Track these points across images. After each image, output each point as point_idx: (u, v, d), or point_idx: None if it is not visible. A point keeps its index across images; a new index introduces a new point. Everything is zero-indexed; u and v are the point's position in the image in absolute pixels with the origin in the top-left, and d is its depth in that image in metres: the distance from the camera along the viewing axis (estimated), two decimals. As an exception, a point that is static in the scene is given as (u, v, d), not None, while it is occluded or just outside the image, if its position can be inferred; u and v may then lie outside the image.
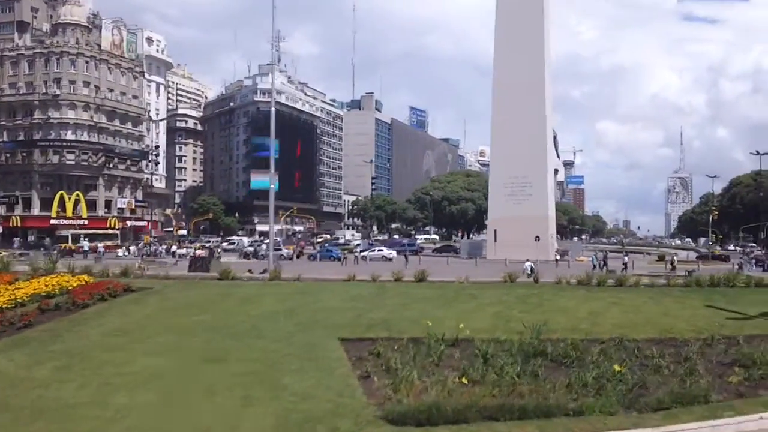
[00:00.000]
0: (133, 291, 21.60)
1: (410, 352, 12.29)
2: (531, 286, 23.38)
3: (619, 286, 23.31)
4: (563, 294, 21.08)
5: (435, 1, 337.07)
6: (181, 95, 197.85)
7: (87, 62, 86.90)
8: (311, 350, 13.11)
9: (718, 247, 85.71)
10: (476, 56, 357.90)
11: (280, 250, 63.81)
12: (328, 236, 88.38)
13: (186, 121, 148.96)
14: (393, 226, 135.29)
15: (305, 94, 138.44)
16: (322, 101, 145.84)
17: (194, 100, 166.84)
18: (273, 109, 39.44)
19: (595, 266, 44.44)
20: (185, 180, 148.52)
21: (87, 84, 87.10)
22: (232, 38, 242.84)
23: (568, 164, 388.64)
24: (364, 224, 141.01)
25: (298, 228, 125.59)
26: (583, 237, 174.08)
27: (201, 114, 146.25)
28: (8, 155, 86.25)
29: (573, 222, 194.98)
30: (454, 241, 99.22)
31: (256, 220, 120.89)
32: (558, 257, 55.91)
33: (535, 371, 11.14)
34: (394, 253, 59.32)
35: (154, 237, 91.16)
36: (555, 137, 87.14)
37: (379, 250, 59.51)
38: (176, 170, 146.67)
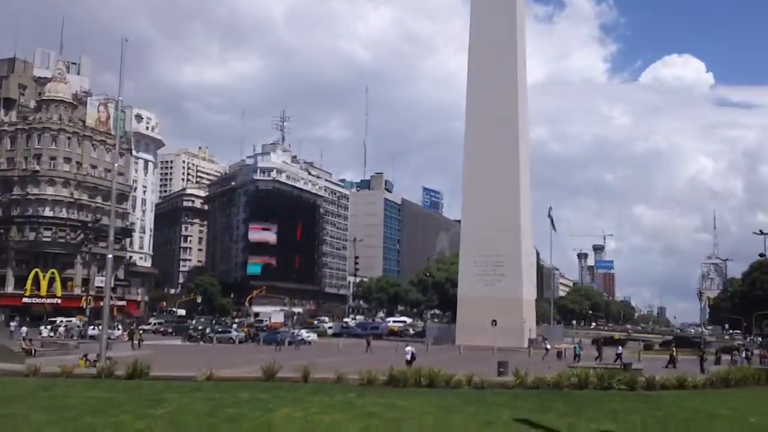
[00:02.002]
0: None
1: None
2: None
3: (446, 386, 17.76)
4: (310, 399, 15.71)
5: (464, 84, 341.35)
6: (201, 176, 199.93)
7: (69, 138, 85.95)
8: None
9: (738, 337, 78.21)
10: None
11: (229, 332, 59.41)
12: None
13: (193, 201, 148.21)
14: (400, 308, 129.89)
15: (309, 173, 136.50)
16: (327, 180, 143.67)
17: (211, 181, 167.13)
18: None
19: (577, 356, 40.54)
20: (190, 260, 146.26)
21: (68, 160, 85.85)
22: (267, 124, 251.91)
23: (597, 249, 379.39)
24: (369, 306, 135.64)
25: (297, 310, 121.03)
26: (600, 323, 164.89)
27: (207, 193, 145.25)
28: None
29: (596, 308, 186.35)
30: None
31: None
32: (532, 345, 50.61)
33: None
34: (314, 336, 56.05)
35: (134, 317, 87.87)
36: (551, 216, 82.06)
37: (299, 334, 54.62)
38: (181, 250, 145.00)
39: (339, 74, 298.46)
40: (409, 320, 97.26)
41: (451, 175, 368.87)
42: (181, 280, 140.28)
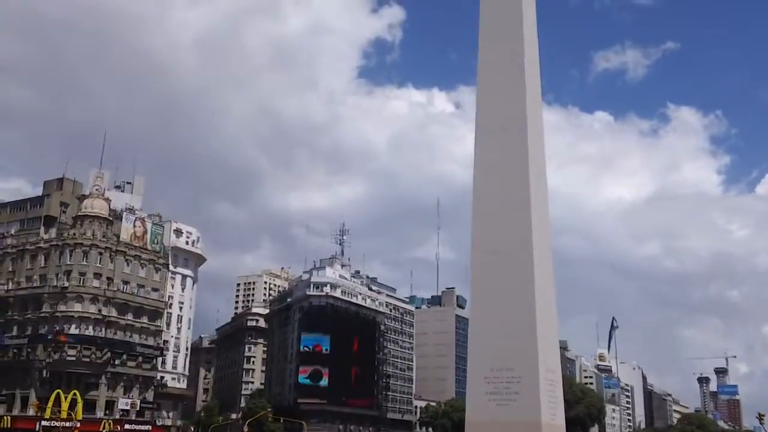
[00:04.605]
0: None
1: None
2: None
3: None
4: None
5: (570, 202, 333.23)
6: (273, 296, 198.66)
7: (101, 253, 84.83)
8: None
9: None
10: (606, 256, 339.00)
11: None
12: None
13: (257, 320, 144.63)
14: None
15: (370, 289, 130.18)
16: (390, 296, 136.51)
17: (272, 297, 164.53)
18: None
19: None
20: (252, 382, 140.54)
21: (98, 276, 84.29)
22: (364, 245, 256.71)
23: (720, 372, 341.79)
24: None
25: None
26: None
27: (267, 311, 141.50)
28: (15, 351, 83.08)
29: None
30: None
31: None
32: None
33: None
34: None
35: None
36: (614, 324, 71.01)
37: None
38: (244, 371, 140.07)
39: (441, 195, 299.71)
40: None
41: (557, 293, 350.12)
42: (243, 404, 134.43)
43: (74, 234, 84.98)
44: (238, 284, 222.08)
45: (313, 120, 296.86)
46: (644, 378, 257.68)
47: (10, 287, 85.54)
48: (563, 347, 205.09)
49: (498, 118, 57.42)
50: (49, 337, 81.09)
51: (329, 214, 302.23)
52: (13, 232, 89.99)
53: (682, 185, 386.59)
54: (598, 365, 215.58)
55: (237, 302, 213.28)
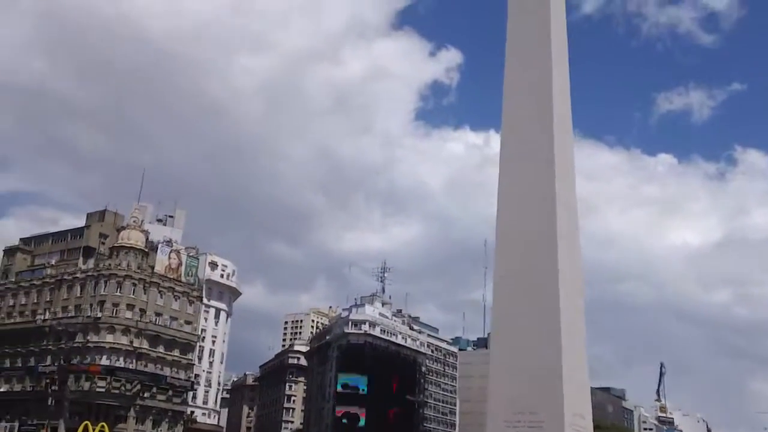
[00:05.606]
0: None
1: None
2: None
3: None
4: None
5: (633, 247, 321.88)
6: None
7: (135, 285, 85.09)
8: None
9: None
10: (670, 303, 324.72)
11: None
12: None
13: (298, 358, 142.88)
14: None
15: (411, 328, 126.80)
16: (431, 335, 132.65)
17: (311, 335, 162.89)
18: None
19: None
20: (292, 422, 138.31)
21: (131, 307, 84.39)
22: (419, 287, 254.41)
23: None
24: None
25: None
26: None
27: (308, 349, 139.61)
28: (48, 381, 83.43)
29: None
30: None
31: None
32: None
33: None
34: None
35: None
36: (662, 370, 65.60)
37: None
38: (284, 410, 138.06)
39: (491, 236, 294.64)
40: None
41: (618, 340, 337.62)
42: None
43: (109, 264, 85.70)
44: (286, 322, 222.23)
45: (370, 162, 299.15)
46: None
47: (46, 317, 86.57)
48: (620, 396, 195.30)
49: (523, 148, 54.09)
50: (81, 368, 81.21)
51: (384, 255, 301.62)
52: (53, 262, 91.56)
53: (752, 230, 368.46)
54: (659, 417, 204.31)
55: (284, 340, 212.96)
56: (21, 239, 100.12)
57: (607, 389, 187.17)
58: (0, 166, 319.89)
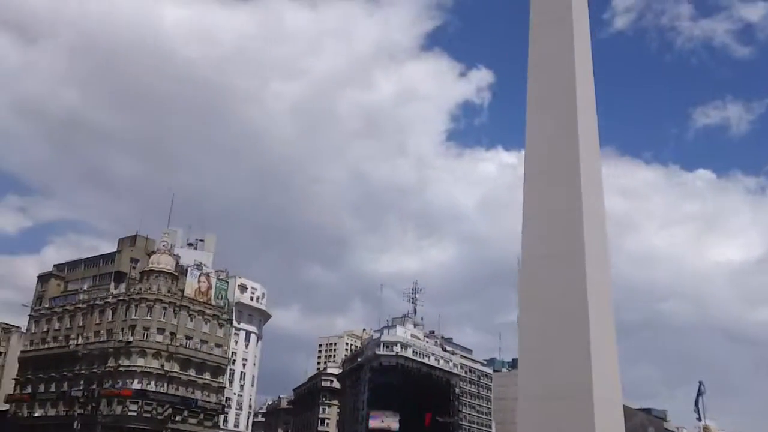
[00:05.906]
0: None
1: None
2: None
3: None
4: None
5: (674, 265, 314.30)
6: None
7: (165, 308, 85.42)
8: None
9: None
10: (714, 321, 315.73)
11: None
12: None
13: (331, 381, 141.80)
14: None
15: (444, 349, 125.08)
16: (464, 357, 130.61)
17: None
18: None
19: None
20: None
21: (161, 331, 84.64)
22: (454, 308, 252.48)
23: None
24: None
25: None
26: None
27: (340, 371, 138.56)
28: (81, 405, 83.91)
29: None
30: None
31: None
32: None
33: None
34: None
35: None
36: (701, 389, 63.37)
37: None
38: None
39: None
40: None
41: (661, 360, 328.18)
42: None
43: (140, 289, 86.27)
44: (320, 345, 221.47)
45: (403, 184, 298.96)
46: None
47: (79, 342, 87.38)
48: (661, 417, 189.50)
49: (547, 164, 52.75)
50: (113, 392, 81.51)
51: (419, 276, 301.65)
52: (86, 287, 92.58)
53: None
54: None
55: (319, 363, 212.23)
56: (54, 265, 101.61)
57: (648, 410, 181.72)
58: (41, 195, 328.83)
